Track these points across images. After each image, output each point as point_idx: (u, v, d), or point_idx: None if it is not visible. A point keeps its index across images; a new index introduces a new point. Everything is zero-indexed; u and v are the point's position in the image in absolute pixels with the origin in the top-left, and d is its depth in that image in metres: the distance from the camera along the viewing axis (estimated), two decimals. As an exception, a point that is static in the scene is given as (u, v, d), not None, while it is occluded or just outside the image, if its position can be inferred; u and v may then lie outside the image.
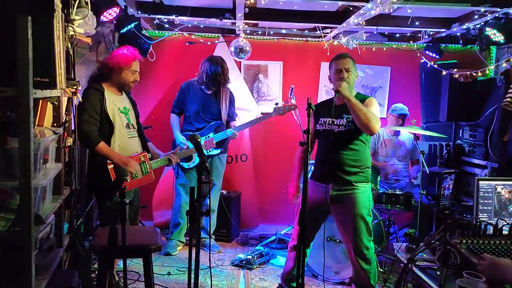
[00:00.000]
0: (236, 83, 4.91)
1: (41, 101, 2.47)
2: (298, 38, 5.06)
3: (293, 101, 4.30)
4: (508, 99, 4.07)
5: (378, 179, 4.14)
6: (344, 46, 4.66)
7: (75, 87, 2.81)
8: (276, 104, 4.36)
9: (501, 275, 1.75)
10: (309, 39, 5.03)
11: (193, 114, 4.25)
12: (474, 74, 4.51)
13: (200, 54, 4.55)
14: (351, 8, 3.83)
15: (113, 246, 1.98)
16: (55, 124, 2.63)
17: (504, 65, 4.34)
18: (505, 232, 2.16)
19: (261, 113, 4.88)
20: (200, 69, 4.20)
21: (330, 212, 3.18)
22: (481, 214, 2.33)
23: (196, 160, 4.16)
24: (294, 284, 3.35)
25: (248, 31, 4.82)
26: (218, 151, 4.28)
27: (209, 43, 4.92)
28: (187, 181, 4.28)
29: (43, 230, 2.38)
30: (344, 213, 3.11)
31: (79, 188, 3.28)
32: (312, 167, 3.40)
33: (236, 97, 4.72)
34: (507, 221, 2.19)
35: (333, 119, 3.11)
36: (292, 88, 4.38)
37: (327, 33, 4.76)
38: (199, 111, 4.25)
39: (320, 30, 4.71)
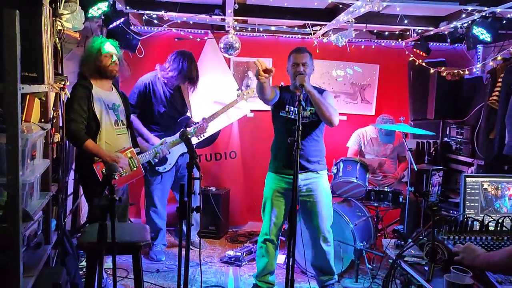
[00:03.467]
0: (226, 80, 4.90)
1: (28, 96, 2.44)
2: (287, 35, 5.07)
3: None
4: (494, 97, 4.13)
5: (367, 176, 4.17)
6: (333, 44, 4.68)
7: (63, 83, 2.78)
8: (238, 89, 4.53)
9: (473, 255, 1.83)
10: (299, 36, 5.04)
11: (161, 114, 4.05)
12: (461, 73, 4.56)
13: (189, 50, 4.51)
14: (340, 6, 3.84)
15: (102, 243, 1.96)
16: (42, 120, 2.59)
17: (491, 63, 4.40)
18: (491, 228, 2.20)
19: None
20: (170, 64, 3.99)
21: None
22: (468, 211, 2.37)
23: (172, 162, 4.06)
24: (270, 278, 3.43)
25: (237, 28, 4.81)
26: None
27: (198, 39, 4.90)
28: (162, 192, 4.14)
29: (31, 227, 2.35)
30: (311, 200, 3.29)
31: (67, 185, 3.26)
32: (271, 158, 3.45)
33: (225, 94, 4.72)
34: (493, 217, 2.23)
35: (299, 110, 3.18)
36: (282, 85, 4.37)
37: (317, 30, 4.76)
38: (167, 110, 4.06)
39: (309, 27, 4.71)
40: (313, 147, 3.30)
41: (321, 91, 3.31)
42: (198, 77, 4.09)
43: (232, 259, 4.10)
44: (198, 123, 4.08)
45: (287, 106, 3.27)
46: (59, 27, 2.73)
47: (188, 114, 4.27)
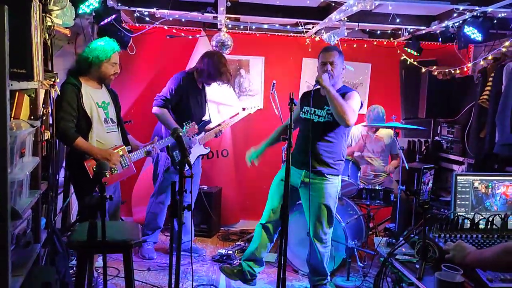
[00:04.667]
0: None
1: (17, 93, 2.41)
2: (280, 33, 5.06)
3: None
4: (484, 96, 4.16)
5: (358, 174, 4.18)
6: (326, 42, 4.68)
7: (53, 80, 2.75)
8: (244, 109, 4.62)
9: (464, 253, 1.83)
10: (291, 34, 5.03)
11: (191, 110, 4.01)
12: (453, 72, 4.59)
13: (181, 48, 4.50)
14: (333, 4, 3.85)
15: (92, 242, 1.94)
16: (32, 117, 2.56)
17: (482, 63, 4.43)
18: (481, 226, 2.21)
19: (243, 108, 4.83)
20: (207, 61, 3.98)
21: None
22: (458, 209, 2.38)
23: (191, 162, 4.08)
24: (255, 268, 3.46)
25: (230, 26, 4.79)
26: (208, 150, 4.28)
27: (190, 37, 4.87)
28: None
29: (20, 226, 2.33)
30: (311, 200, 3.22)
31: (57, 183, 3.23)
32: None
33: (217, 92, 4.71)
34: (484, 216, 2.24)
35: (314, 109, 3.24)
36: (274, 83, 4.38)
37: (309, 28, 4.77)
38: (196, 107, 4.08)
39: (302, 26, 4.71)
40: (325, 148, 3.21)
41: (347, 90, 3.28)
42: (226, 74, 4.05)
43: (224, 258, 4.09)
44: (214, 127, 4.19)
45: (305, 107, 3.31)
46: (49, 23, 2.70)
47: (207, 117, 4.28)
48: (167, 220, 4.55)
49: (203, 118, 4.21)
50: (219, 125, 4.28)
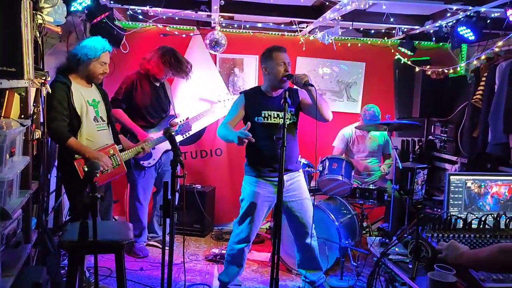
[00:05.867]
0: (212, 77, 4.86)
1: (7, 91, 2.38)
2: (274, 32, 5.05)
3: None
4: (477, 96, 4.17)
5: (352, 174, 4.18)
6: (320, 41, 4.67)
7: (44, 78, 2.72)
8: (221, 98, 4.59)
9: (457, 252, 1.84)
10: (285, 33, 5.02)
11: (146, 108, 4.04)
12: (446, 71, 4.60)
13: (175, 46, 4.43)
14: (327, 3, 3.84)
15: (83, 242, 1.92)
16: (22, 116, 2.53)
17: (475, 62, 4.44)
18: (474, 226, 2.22)
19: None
20: (159, 57, 4.03)
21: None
22: (451, 209, 2.38)
23: (156, 157, 4.09)
24: (237, 278, 3.41)
25: (223, 24, 4.77)
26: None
27: (184, 35, 4.85)
28: (145, 188, 4.14)
29: (10, 226, 2.30)
30: (295, 199, 3.22)
31: (49, 182, 3.20)
32: (249, 163, 3.32)
33: (211, 91, 4.69)
34: (476, 215, 2.24)
35: (278, 112, 3.15)
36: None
37: (303, 27, 4.76)
38: (152, 104, 4.07)
39: (296, 25, 4.71)
40: (294, 148, 3.24)
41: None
42: (182, 67, 4.14)
43: (218, 257, 4.08)
44: (181, 123, 4.13)
45: (263, 111, 3.15)
46: (40, 21, 2.66)
47: (172, 112, 4.27)
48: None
49: (169, 114, 4.21)
50: (187, 118, 4.20)
